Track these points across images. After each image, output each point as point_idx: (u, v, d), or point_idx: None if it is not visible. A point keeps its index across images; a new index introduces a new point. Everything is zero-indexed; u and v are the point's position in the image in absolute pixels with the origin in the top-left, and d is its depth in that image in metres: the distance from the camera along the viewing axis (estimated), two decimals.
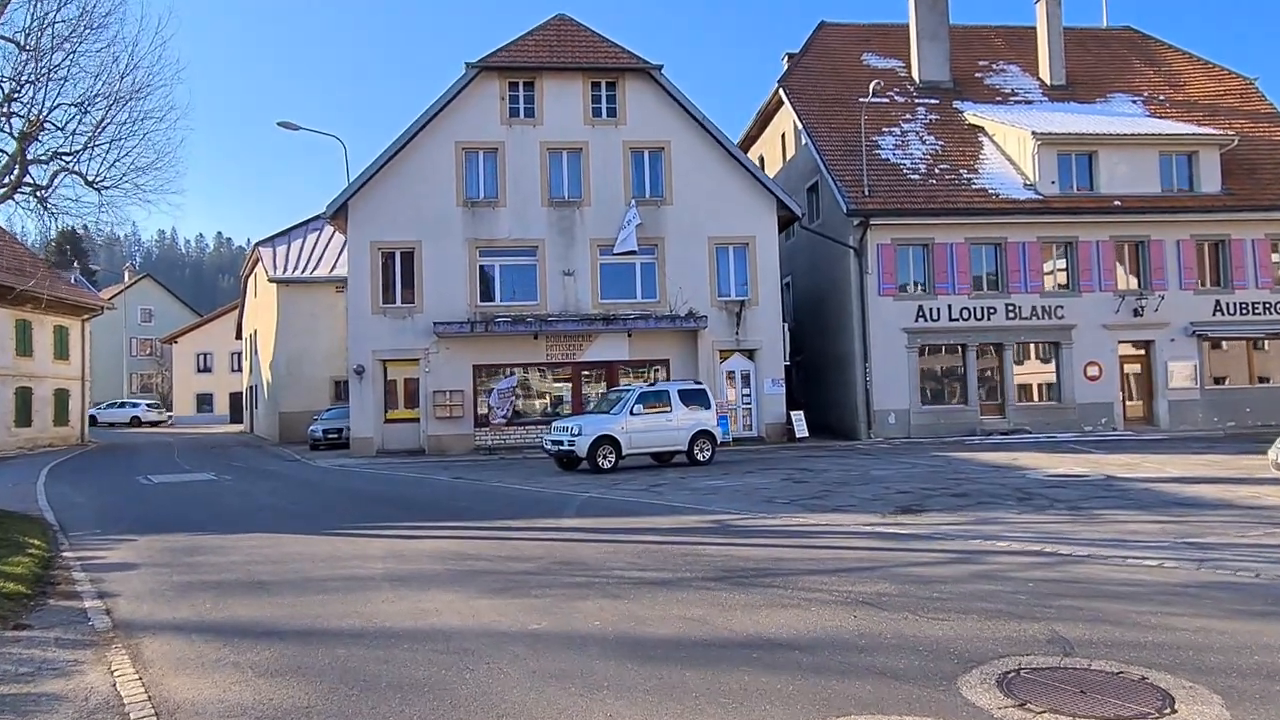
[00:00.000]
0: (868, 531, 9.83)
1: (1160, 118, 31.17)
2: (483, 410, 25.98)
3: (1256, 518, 10.25)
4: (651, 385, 19.74)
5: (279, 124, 27.44)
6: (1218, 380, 28.35)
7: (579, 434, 18.13)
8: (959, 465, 17.66)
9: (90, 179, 14.69)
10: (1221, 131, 29.13)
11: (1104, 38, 35.98)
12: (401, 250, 25.96)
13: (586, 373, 26.73)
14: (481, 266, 26.25)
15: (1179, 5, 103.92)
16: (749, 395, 26.91)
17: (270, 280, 35.23)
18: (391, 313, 25.80)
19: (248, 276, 43.15)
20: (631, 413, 18.63)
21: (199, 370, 61.31)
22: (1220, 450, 20.41)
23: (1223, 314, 28.09)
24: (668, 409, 19.15)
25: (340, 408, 31.35)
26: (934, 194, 27.65)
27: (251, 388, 44.81)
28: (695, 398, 19.66)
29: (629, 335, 26.22)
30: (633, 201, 26.37)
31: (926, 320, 27.21)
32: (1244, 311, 28.18)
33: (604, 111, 26.85)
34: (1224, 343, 28.33)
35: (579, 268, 26.34)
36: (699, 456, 19.30)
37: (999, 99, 32.39)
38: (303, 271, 35.52)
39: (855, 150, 28.64)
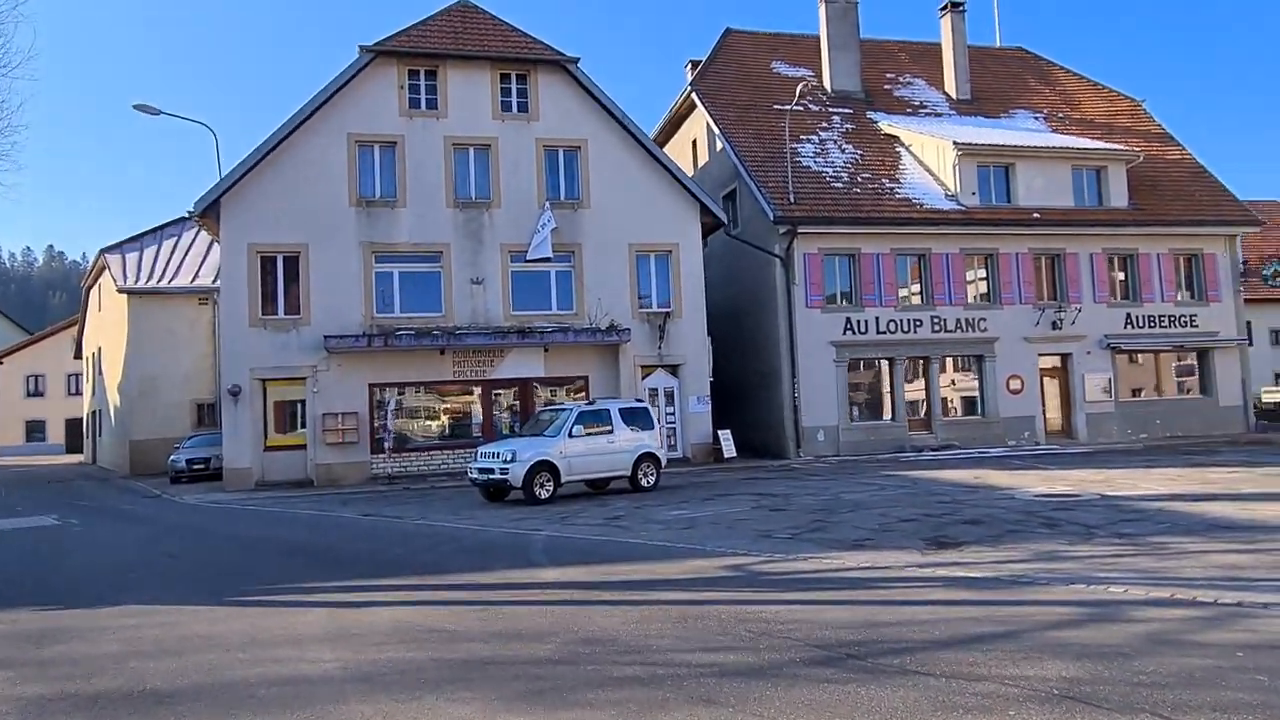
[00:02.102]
0: (931, 577, 8.03)
1: (1063, 134, 31.49)
2: (381, 435, 23.00)
3: None
4: (590, 404, 17.55)
5: (136, 107, 23.76)
6: (1130, 393, 28.52)
7: (512, 460, 15.73)
8: (928, 486, 16.29)
9: None
10: (1128, 148, 29.56)
11: (999, 57, 36.41)
12: (285, 254, 22.79)
13: (498, 391, 24.22)
14: (378, 273, 23.37)
15: (1065, 28, 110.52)
16: (673, 414, 25.05)
17: (119, 291, 30.96)
18: (273, 325, 22.57)
19: (90, 288, 38.16)
20: (570, 435, 16.37)
21: (29, 394, 54.39)
22: (1160, 463, 19.99)
23: (1134, 327, 28.33)
24: (609, 430, 17.00)
25: (206, 434, 27.63)
26: (859, 203, 26.73)
27: (94, 413, 39.62)
28: (638, 417, 17.61)
29: (545, 350, 23.93)
30: (547, 204, 24.16)
31: (854, 333, 26.16)
32: (1152, 325, 28.51)
33: (515, 106, 24.57)
34: (1135, 355, 28.55)
35: (489, 276, 23.87)
36: (643, 482, 17.23)
37: (909, 110, 32.04)
38: (159, 281, 31.40)
39: (776, 157, 27.46)
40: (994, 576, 7.84)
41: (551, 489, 15.98)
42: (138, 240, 33.42)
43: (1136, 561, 8.45)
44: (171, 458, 26.01)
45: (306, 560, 10.85)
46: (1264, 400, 34.33)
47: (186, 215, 22.37)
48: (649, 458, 17.35)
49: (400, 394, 23.32)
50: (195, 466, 25.26)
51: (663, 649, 5.89)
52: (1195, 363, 29.15)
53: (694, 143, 32.30)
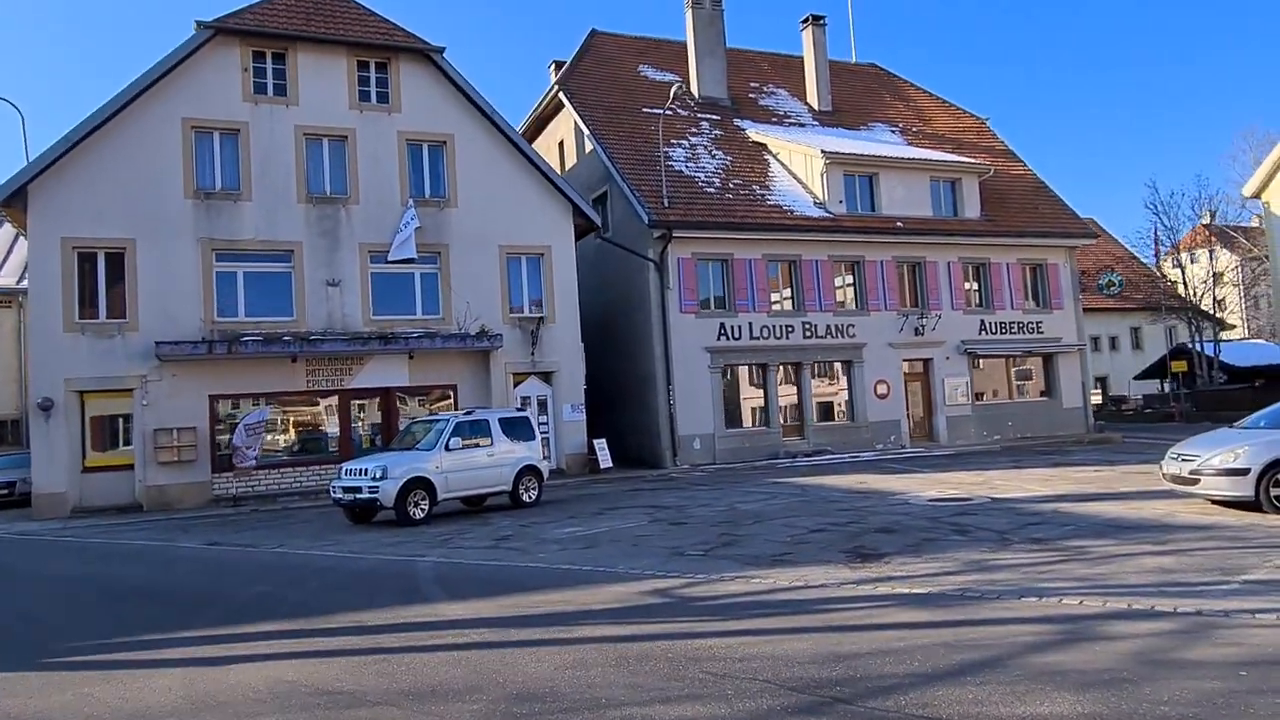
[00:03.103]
0: (873, 595, 7.42)
1: (918, 147, 32.61)
2: (224, 452, 20.74)
3: (1232, 540, 9.18)
4: (468, 414, 16.24)
5: None
6: (982, 396, 29.66)
7: (382, 477, 14.24)
8: (818, 493, 15.99)
9: None
10: (980, 162, 30.85)
11: (855, 72, 37.48)
12: (108, 250, 20.21)
13: (357, 402, 22.39)
14: (219, 273, 21.12)
15: (912, 46, 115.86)
16: (546, 423, 23.94)
17: None
18: (93, 330, 19.94)
19: None
20: (446, 448, 15.03)
21: None
22: (1024, 464, 20.66)
23: (987, 333, 29.50)
24: (488, 442, 15.76)
25: (10, 455, 24.32)
26: (731, 208, 26.57)
27: None
28: (518, 428, 16.46)
29: (410, 357, 22.32)
30: (410, 202, 22.62)
31: (728, 339, 25.92)
32: (1003, 331, 29.78)
33: (374, 96, 22.88)
34: (988, 360, 29.75)
35: (347, 277, 22.06)
36: (525, 497, 16.09)
37: (775, 120, 32.36)
38: None
39: (648, 160, 26.96)
40: (939, 592, 7.31)
41: (427, 508, 14.60)
42: None
43: (1070, 569, 8.17)
44: None
45: (145, 605, 9.13)
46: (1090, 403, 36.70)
47: None
48: (531, 471, 16.23)
49: (236, 406, 21.06)
50: None
51: (615, 702, 4.92)
52: (1041, 367, 30.67)
53: (560, 144, 31.42)
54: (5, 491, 22.07)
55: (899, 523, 11.68)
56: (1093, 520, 11.13)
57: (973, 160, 30.82)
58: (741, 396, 26.57)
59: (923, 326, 28.27)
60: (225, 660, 6.46)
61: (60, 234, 19.68)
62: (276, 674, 5.99)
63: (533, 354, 23.63)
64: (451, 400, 22.90)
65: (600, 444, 24.18)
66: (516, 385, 23.54)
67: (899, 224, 28.21)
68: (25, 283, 26.81)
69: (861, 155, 28.50)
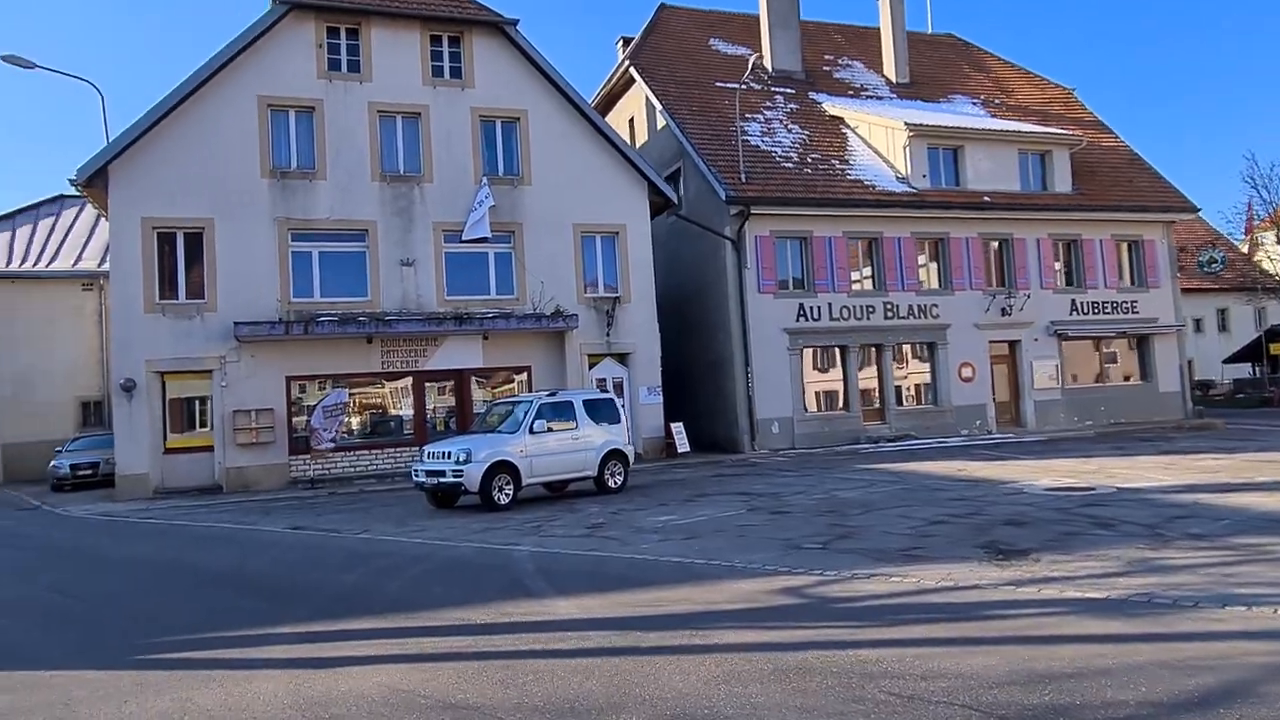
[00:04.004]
0: (1041, 600, 6.61)
1: (1001, 119, 31.10)
2: (301, 434, 20.60)
3: None
4: (552, 395, 15.68)
5: (4, 59, 20.58)
6: (1072, 379, 28.24)
7: (466, 461, 13.76)
8: (919, 481, 15.09)
9: None
10: (1070, 132, 29.28)
11: (932, 42, 35.94)
12: (187, 230, 20.12)
13: (431, 384, 22.06)
14: (295, 253, 20.91)
15: (992, 15, 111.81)
16: (622, 406, 23.26)
17: None
18: (173, 311, 19.89)
19: None
20: (530, 431, 14.49)
21: None
22: (1131, 451, 19.43)
23: (1078, 313, 28.06)
24: (573, 425, 15.19)
25: (94, 436, 24.61)
26: (811, 183, 25.57)
27: None
28: (603, 411, 15.87)
29: (485, 338, 21.88)
30: (484, 179, 22.12)
31: (808, 319, 24.99)
32: (1095, 311, 28.30)
33: (447, 71, 22.40)
34: (1079, 342, 28.30)
35: (420, 257, 21.69)
36: (610, 483, 15.50)
37: (851, 93, 31.16)
38: (36, 264, 27.89)
39: (722, 136, 26.08)
40: (1120, 598, 6.47)
41: (512, 493, 14.10)
42: (9, 219, 29.72)
43: (1258, 571, 7.25)
44: (53, 463, 22.90)
45: (238, 594, 8.75)
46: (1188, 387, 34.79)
47: (69, 182, 19.41)
48: (616, 455, 15.63)
49: (303, 390, 20.85)
50: (81, 473, 22.28)
51: None
52: (1136, 349, 29.11)
53: (631, 121, 30.64)
54: (89, 472, 22.28)
55: (1025, 514, 10.78)
56: (1248, 514, 10.10)
57: (1063, 131, 29.26)
58: (820, 379, 25.64)
59: (1010, 306, 26.96)
60: (331, 662, 5.94)
61: (140, 214, 19.62)
62: (389, 680, 5.44)
63: (608, 335, 23.03)
64: (514, 384, 22.44)
65: (678, 428, 23.54)
66: (592, 367, 22.98)
67: (986, 198, 26.89)
68: (105, 266, 27.14)
69: (946, 127, 27.22)
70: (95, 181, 19.64)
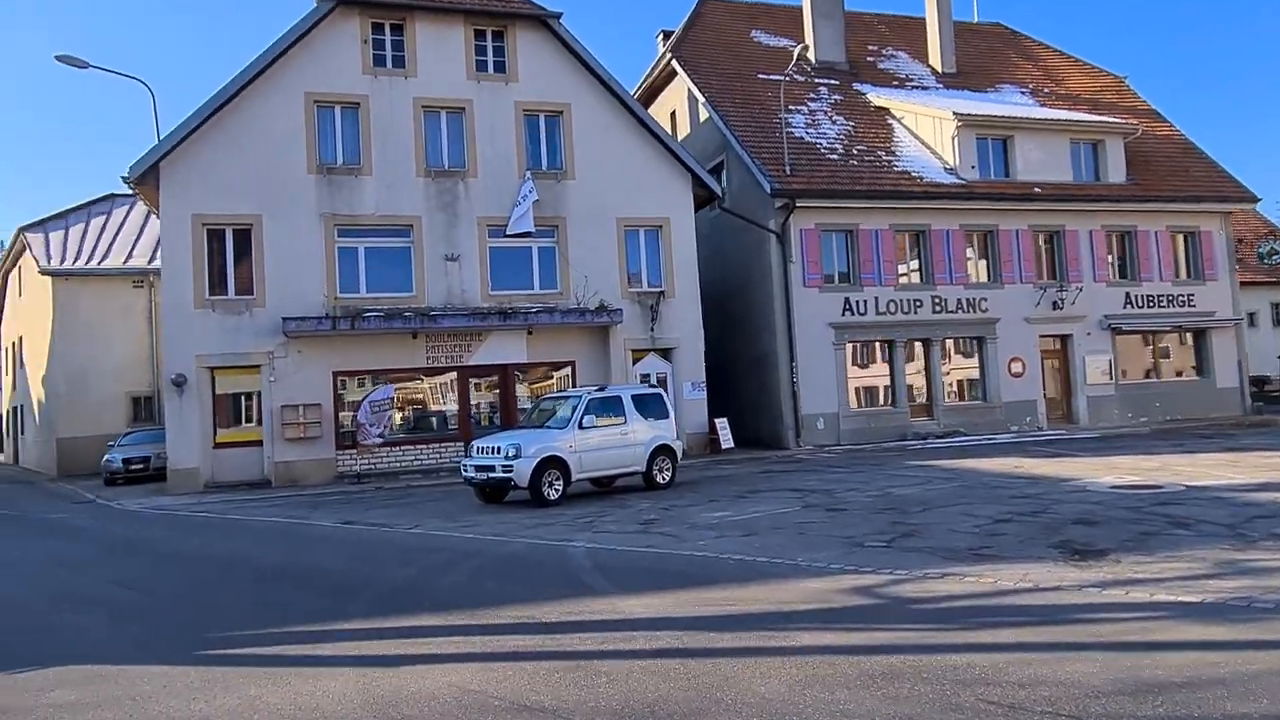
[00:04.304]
0: (1131, 603, 6.30)
1: (1052, 108, 30.39)
2: (347, 429, 20.70)
3: None
4: (601, 389, 15.55)
5: (59, 59, 20.89)
6: (1127, 374, 27.53)
7: (516, 456, 13.67)
8: (977, 478, 14.73)
9: None
10: (1124, 121, 28.53)
11: (979, 31, 35.25)
12: (235, 227, 20.28)
13: (475, 379, 22.05)
14: (341, 249, 20.99)
15: (1039, 3, 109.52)
16: (670, 401, 23.10)
17: (42, 273, 27.87)
18: (222, 307, 20.06)
19: (9, 271, 34.68)
20: (580, 426, 14.37)
21: None
22: (1192, 448, 18.83)
23: (1132, 307, 27.34)
24: (621, 421, 15.04)
25: (145, 431, 24.98)
26: (857, 175, 25.15)
27: (15, 409, 36.15)
28: (651, 406, 15.70)
29: (529, 333, 21.82)
30: (528, 174, 22.04)
31: (853, 314, 24.60)
32: (1150, 304, 27.55)
33: (490, 65, 22.34)
34: (1133, 336, 27.58)
35: (465, 252, 21.67)
36: (659, 478, 15.33)
37: (896, 83, 30.64)
38: (88, 262, 28.36)
39: (766, 128, 25.76)
40: (1217, 602, 6.16)
41: (561, 489, 13.99)
42: (63, 218, 30.23)
43: None
44: (106, 457, 23.26)
45: (296, 589, 8.71)
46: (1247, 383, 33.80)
47: (122, 179, 19.66)
48: (665, 451, 15.46)
49: (338, 387, 20.90)
50: (134, 467, 22.59)
51: None
52: (1192, 343, 28.31)
53: (673, 115, 30.38)
54: (141, 466, 22.59)
55: (1094, 512, 10.42)
56: None
57: (1116, 120, 28.53)
58: (866, 375, 25.24)
59: (1062, 300, 26.34)
60: (397, 660, 5.84)
61: (190, 211, 19.82)
62: (459, 680, 5.32)
63: (652, 330, 22.86)
64: (553, 380, 22.35)
65: (722, 423, 23.30)
66: (635, 362, 22.82)
67: (1037, 189, 26.29)
68: (155, 264, 27.52)
69: (995, 116, 26.65)
70: (147, 179, 19.87)
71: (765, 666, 5.15)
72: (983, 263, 26.28)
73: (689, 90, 28.04)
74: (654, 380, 22.89)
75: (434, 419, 21.78)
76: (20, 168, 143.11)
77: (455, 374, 21.74)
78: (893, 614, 6.31)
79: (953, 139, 26.04)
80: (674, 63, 28.41)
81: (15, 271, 33.68)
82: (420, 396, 21.76)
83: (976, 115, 26.24)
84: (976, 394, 25.96)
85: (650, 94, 31.28)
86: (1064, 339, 26.76)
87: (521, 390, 22.25)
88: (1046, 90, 31.90)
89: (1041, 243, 26.86)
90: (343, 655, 6.03)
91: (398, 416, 21.26)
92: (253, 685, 5.50)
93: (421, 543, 11.09)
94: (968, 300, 25.70)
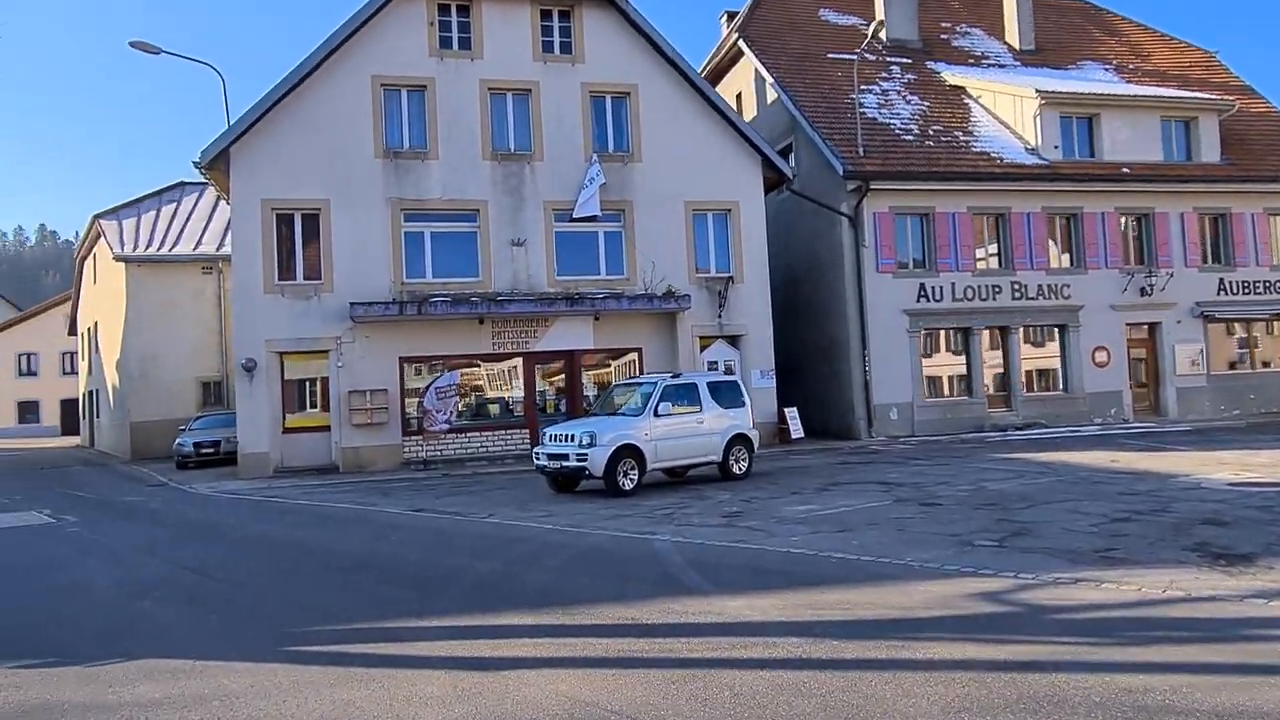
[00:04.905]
0: None
1: (1138, 85, 28.94)
2: (413, 415, 20.56)
3: None
4: (676, 376, 15.08)
5: (133, 44, 21.03)
6: (1218, 365, 26.14)
7: (591, 444, 13.27)
8: (1075, 473, 13.92)
9: None
10: (1219, 97, 27.03)
11: (1058, 6, 33.72)
12: (304, 212, 20.21)
13: (541, 365, 21.73)
14: (407, 234, 20.80)
15: None
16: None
17: (116, 260, 28.31)
18: (291, 292, 20.03)
19: (85, 258, 35.45)
20: (655, 414, 13.90)
21: (21, 374, 51.58)
22: None
23: (1226, 293, 25.94)
24: (697, 409, 14.55)
25: (215, 415, 25.21)
26: (933, 156, 24.21)
27: (91, 393, 37.04)
28: (727, 394, 15.18)
29: (595, 319, 21.42)
30: (594, 156, 21.59)
31: (929, 300, 23.71)
32: (1245, 291, 26.11)
33: (557, 46, 21.91)
34: (1227, 325, 26.17)
35: (531, 236, 21.32)
36: (735, 469, 14.82)
37: (971, 61, 29.49)
38: (159, 249, 28.74)
39: (837, 108, 24.95)
40: None
41: (636, 478, 13.55)
42: (135, 205, 30.73)
43: None
44: (178, 441, 23.51)
45: (376, 581, 8.40)
46: None
47: (194, 164, 19.73)
48: (741, 440, 14.93)
49: (422, 370, 20.78)
50: (204, 451, 22.78)
51: None
52: None
53: (738, 97, 29.66)
54: (211, 450, 22.77)
55: (1221, 512, 9.63)
56: None
57: (1210, 96, 27.02)
58: (942, 363, 24.34)
59: (1150, 286, 25.07)
60: (495, 664, 5.44)
61: (260, 196, 19.79)
62: (566, 689, 4.89)
63: (720, 316, 22.30)
64: (610, 368, 21.92)
65: (792, 413, 22.68)
66: (703, 349, 22.28)
67: (1125, 170, 25.03)
68: (223, 250, 27.79)
69: (1080, 94, 25.42)
70: (217, 164, 19.89)
71: (906, 683, 4.63)
72: (1066, 247, 25.14)
73: (756, 71, 27.33)
74: (721, 367, 22.34)
75: (499, 406, 21.53)
76: (97, 156, 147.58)
77: (521, 360, 21.44)
78: (1032, 624, 5.72)
79: (1035, 118, 24.92)
80: (740, 43, 27.71)
81: (91, 259, 34.40)
82: (486, 383, 21.51)
83: (1061, 93, 25.08)
84: (1058, 384, 24.89)
85: (714, 77, 30.57)
86: (1152, 327, 25.51)
87: (587, 377, 21.89)
88: (1131, 66, 30.44)
89: (1129, 226, 25.62)
90: (435, 656, 5.65)
91: (464, 403, 21.05)
92: (343, 687, 5.16)
93: (499, 533, 10.75)
94: (1049, 286, 24.61)
